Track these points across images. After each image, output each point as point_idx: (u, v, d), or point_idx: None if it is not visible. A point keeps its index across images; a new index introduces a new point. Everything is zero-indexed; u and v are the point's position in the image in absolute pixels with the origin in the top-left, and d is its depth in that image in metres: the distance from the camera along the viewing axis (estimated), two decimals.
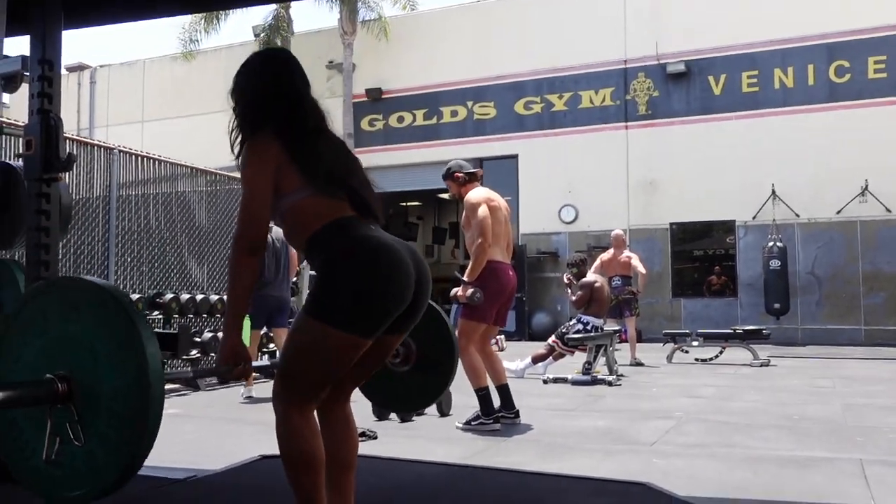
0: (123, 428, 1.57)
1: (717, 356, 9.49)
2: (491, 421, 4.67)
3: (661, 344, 10.37)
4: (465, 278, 4.72)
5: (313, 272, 2.20)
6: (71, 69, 20.31)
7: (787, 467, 3.66)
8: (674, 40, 14.54)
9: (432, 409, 5.06)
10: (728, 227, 14.42)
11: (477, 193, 4.89)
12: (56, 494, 1.74)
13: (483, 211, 4.73)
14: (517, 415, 4.87)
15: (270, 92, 2.19)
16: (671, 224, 14.65)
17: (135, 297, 6.72)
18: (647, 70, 14.93)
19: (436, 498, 2.79)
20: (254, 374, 2.05)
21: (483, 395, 4.69)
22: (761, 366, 8.85)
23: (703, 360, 9.46)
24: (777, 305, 13.01)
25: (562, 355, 7.77)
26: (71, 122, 18.81)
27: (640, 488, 2.88)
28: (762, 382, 7.38)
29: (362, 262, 1.99)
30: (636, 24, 14.91)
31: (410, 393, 2.80)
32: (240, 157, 2.16)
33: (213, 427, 5.13)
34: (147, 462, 3.55)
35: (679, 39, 14.50)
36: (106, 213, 7.30)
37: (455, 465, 3.28)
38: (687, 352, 9.69)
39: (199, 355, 7.16)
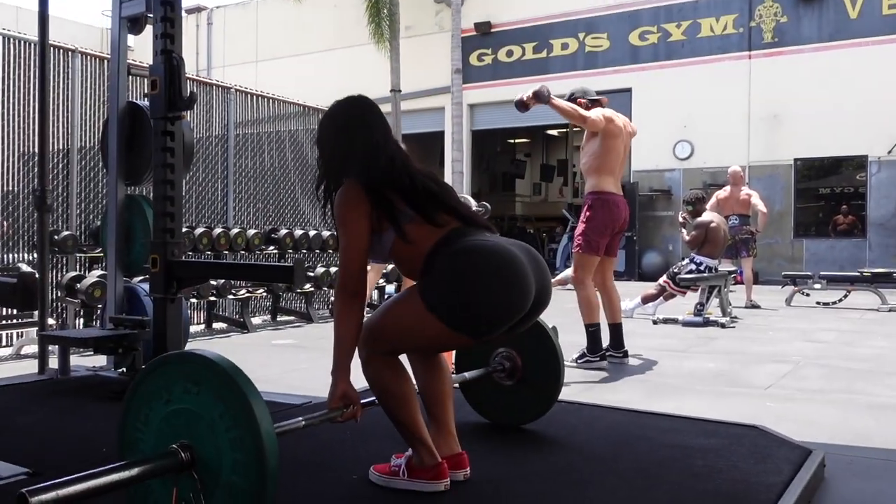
0: (243, 499, 1.65)
1: (840, 300, 9.00)
2: (597, 359, 4.64)
3: (780, 286, 9.94)
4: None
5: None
6: (189, 11, 21.01)
7: None
8: None
9: None
10: (859, 162, 13.49)
11: (600, 109, 4.74)
12: None
13: (598, 113, 4.61)
14: (625, 355, 4.82)
15: (353, 145, 2.16)
16: (795, 160, 13.83)
17: (251, 232, 7.01)
18: None
19: (542, 430, 2.82)
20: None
21: (593, 331, 4.66)
22: (889, 311, 8.34)
23: (825, 304, 9.00)
24: None
25: (672, 296, 7.59)
26: (190, 63, 19.44)
27: (754, 431, 2.80)
28: (890, 328, 6.96)
29: (484, 268, 1.98)
30: None
31: (513, 408, 2.83)
32: (328, 207, 2.18)
33: (328, 358, 5.33)
34: (267, 388, 3.75)
35: None
36: (224, 152, 7.60)
37: (560, 400, 3.28)
38: (808, 295, 9.24)
39: (312, 289, 7.44)
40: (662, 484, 2.22)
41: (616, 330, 4.84)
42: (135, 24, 3.71)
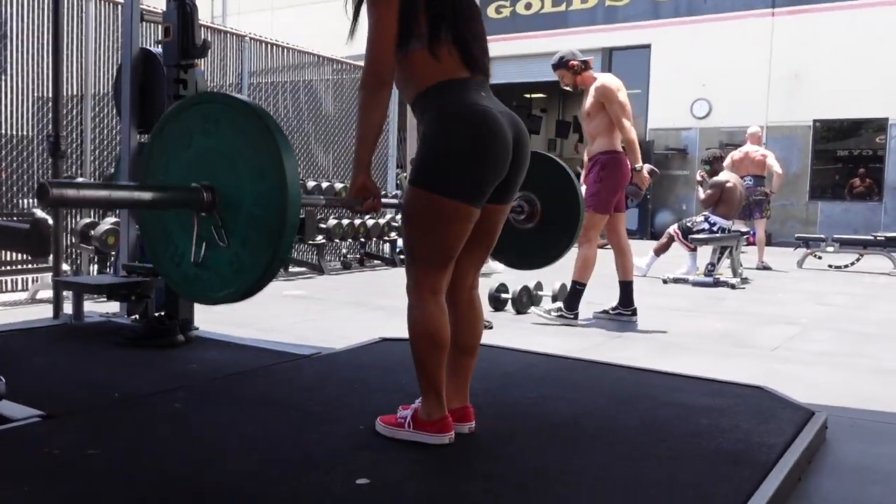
0: (264, 229, 1.68)
1: (853, 263, 8.95)
2: (572, 316, 4.73)
3: (793, 249, 9.88)
4: (636, 165, 4.70)
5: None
6: None
7: None
8: None
9: (546, 303, 5.11)
10: (879, 125, 13.26)
11: (610, 79, 4.79)
12: (205, 294, 1.92)
13: (625, 96, 4.68)
14: (634, 313, 4.85)
15: None
16: (814, 121, 13.62)
17: None
18: None
19: (545, 386, 2.85)
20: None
21: (578, 289, 4.71)
22: None
23: (837, 267, 8.96)
24: None
25: (667, 247, 7.56)
26: (205, 10, 19.25)
27: (758, 392, 2.82)
28: None
29: (461, 127, 2.01)
30: None
31: (534, 250, 2.85)
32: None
33: (338, 310, 5.40)
34: (278, 339, 3.80)
35: None
36: None
37: (567, 357, 3.31)
38: (820, 258, 9.19)
39: (324, 240, 7.47)
40: (663, 441, 2.25)
41: (626, 287, 4.87)
42: None
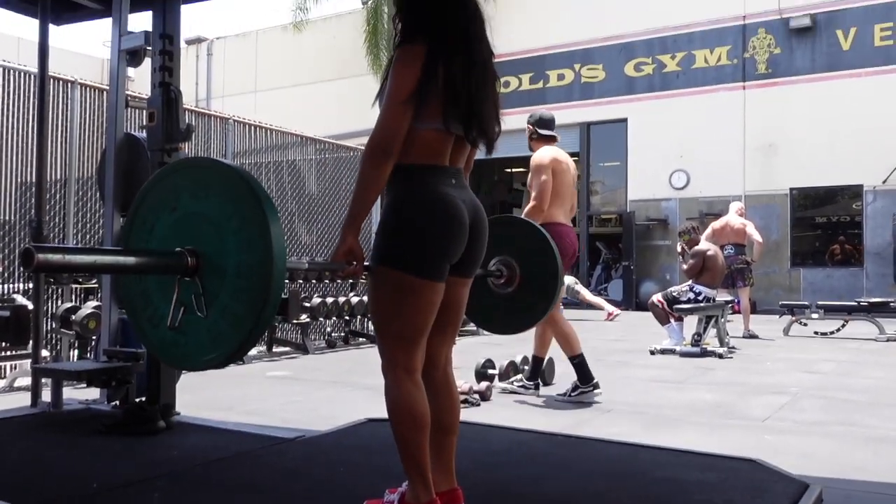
0: (246, 301, 1.65)
1: (838, 330, 8.98)
2: (590, 389, 4.62)
3: (778, 316, 9.92)
4: None
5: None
6: (189, 42, 21.21)
7: None
8: None
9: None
10: (855, 192, 13.55)
11: (543, 153, 4.79)
12: (181, 359, 1.89)
13: (546, 175, 4.67)
14: (537, 387, 4.85)
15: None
16: (791, 189, 13.90)
17: None
18: (768, 25, 14.11)
19: (536, 465, 2.79)
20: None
21: (578, 362, 4.63)
22: (888, 340, 8.33)
23: (823, 334, 8.98)
24: None
25: (666, 313, 7.50)
26: (189, 92, 19.68)
27: (750, 465, 2.78)
28: (888, 359, 6.95)
29: (422, 210, 2.04)
30: None
31: (515, 313, 2.82)
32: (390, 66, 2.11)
33: (323, 390, 5.32)
34: (262, 421, 3.72)
35: None
36: None
37: (556, 434, 3.26)
38: (805, 324, 9.23)
39: (308, 320, 7.41)
40: None
41: (537, 363, 4.89)
42: (134, 57, 3.74)
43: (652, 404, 4.57)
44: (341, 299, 7.78)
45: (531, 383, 4.84)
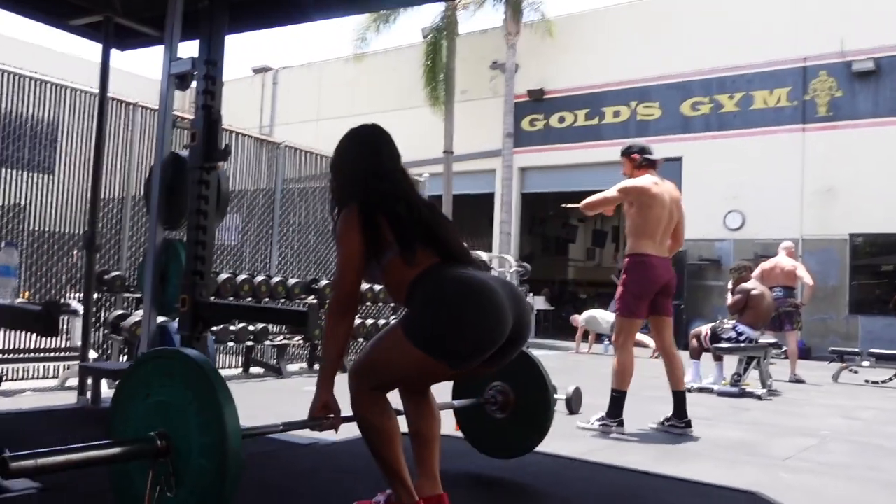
0: (208, 481, 1.79)
1: (890, 379, 8.68)
2: (614, 424, 4.60)
3: (828, 363, 9.65)
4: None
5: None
6: (256, 71, 22.01)
7: None
8: (862, 35, 13.45)
9: (561, 406, 5.08)
10: None
11: (639, 180, 4.79)
12: None
13: (616, 194, 4.78)
14: (688, 425, 4.68)
15: (359, 167, 2.33)
16: (851, 235, 13.55)
17: (292, 281, 7.26)
18: (830, 68, 13.90)
19: (535, 481, 2.85)
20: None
21: (617, 396, 4.62)
22: None
23: (874, 383, 8.69)
24: None
25: (700, 349, 7.42)
26: (254, 119, 20.38)
27: (748, 497, 2.78)
28: None
29: (457, 296, 2.07)
30: (817, 18, 13.94)
31: (507, 441, 2.92)
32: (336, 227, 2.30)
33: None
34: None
35: (868, 34, 13.39)
36: (271, 204, 7.92)
37: (563, 457, 3.31)
38: (856, 372, 8.94)
39: (286, 341, 7.41)
40: None
41: (679, 398, 4.71)
42: (182, 81, 4.00)
43: (673, 438, 4.54)
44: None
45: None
